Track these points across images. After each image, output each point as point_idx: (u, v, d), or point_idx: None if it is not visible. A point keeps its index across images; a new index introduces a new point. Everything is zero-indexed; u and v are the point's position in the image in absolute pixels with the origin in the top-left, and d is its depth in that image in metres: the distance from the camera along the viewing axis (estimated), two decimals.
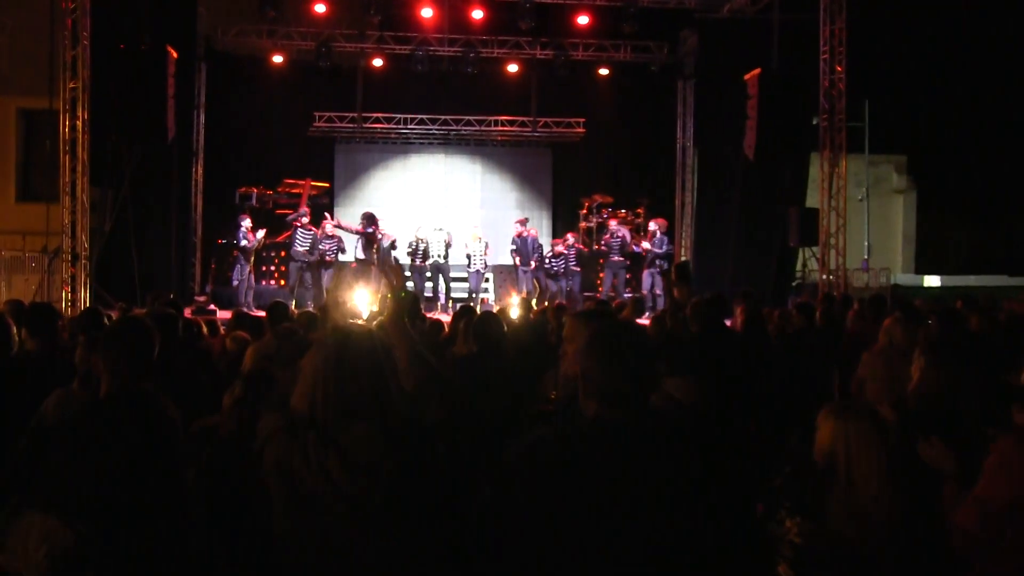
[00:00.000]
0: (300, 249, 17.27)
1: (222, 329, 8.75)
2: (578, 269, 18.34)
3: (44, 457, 2.84)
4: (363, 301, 5.35)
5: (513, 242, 18.20)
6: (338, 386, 2.69)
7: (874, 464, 3.03)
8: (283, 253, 18.54)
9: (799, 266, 18.37)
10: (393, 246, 17.69)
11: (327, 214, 18.35)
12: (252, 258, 17.24)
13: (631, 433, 2.61)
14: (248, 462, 2.84)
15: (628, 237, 18.68)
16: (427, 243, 17.89)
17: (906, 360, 4.29)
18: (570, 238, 18.50)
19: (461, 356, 5.88)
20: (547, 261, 18.17)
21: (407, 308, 7.26)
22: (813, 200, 17.47)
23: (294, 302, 16.77)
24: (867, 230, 29.48)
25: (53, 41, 15.55)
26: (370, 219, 17.56)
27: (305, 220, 17.30)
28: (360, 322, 3.88)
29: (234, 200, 19.89)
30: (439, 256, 17.85)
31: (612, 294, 17.76)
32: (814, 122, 17.15)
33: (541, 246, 18.47)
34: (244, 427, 3.70)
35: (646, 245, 17.78)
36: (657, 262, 17.65)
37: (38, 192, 20.14)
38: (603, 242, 18.76)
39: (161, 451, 2.75)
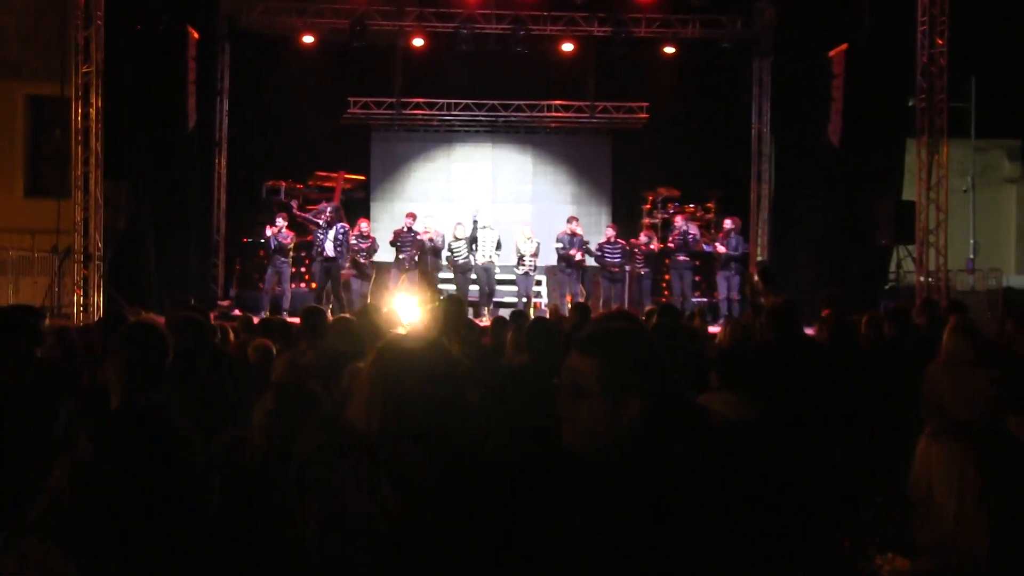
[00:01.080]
0: (324, 250, 17.43)
1: (232, 336, 8.82)
2: (645, 270, 18.25)
3: (47, 479, 2.86)
4: (406, 307, 5.30)
5: (559, 240, 18.17)
6: (397, 403, 2.68)
7: (963, 487, 2.95)
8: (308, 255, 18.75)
9: (892, 267, 18.14)
10: (437, 246, 17.75)
11: (342, 225, 18.32)
12: (290, 258, 17.42)
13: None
14: (279, 481, 2.84)
15: (697, 234, 18.57)
16: (473, 242, 17.90)
17: (975, 370, 4.21)
18: (610, 232, 18.58)
19: (512, 368, 5.89)
20: (603, 252, 18.11)
21: (453, 314, 7.32)
22: (909, 192, 17.25)
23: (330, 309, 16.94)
24: (973, 225, 28.99)
25: (64, 21, 15.75)
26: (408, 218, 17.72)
27: (326, 216, 17.36)
28: (419, 330, 3.88)
29: (260, 195, 20.08)
30: (489, 256, 17.86)
31: (681, 299, 17.67)
32: (910, 103, 16.93)
33: (587, 242, 18.36)
34: (276, 443, 3.72)
35: (721, 248, 17.67)
36: (732, 264, 17.55)
37: (48, 187, 20.45)
38: (669, 240, 18.67)
39: (170, 474, 2.76)
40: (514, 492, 3.05)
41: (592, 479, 2.53)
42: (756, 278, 13.70)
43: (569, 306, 15.72)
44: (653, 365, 2.62)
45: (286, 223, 17.46)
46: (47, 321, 6.50)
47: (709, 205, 20.79)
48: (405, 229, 17.73)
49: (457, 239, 17.93)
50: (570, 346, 2.67)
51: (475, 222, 17.96)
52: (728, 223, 17.98)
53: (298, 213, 18.48)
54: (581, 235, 18.20)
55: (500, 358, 7.22)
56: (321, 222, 17.72)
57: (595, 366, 2.56)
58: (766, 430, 4.23)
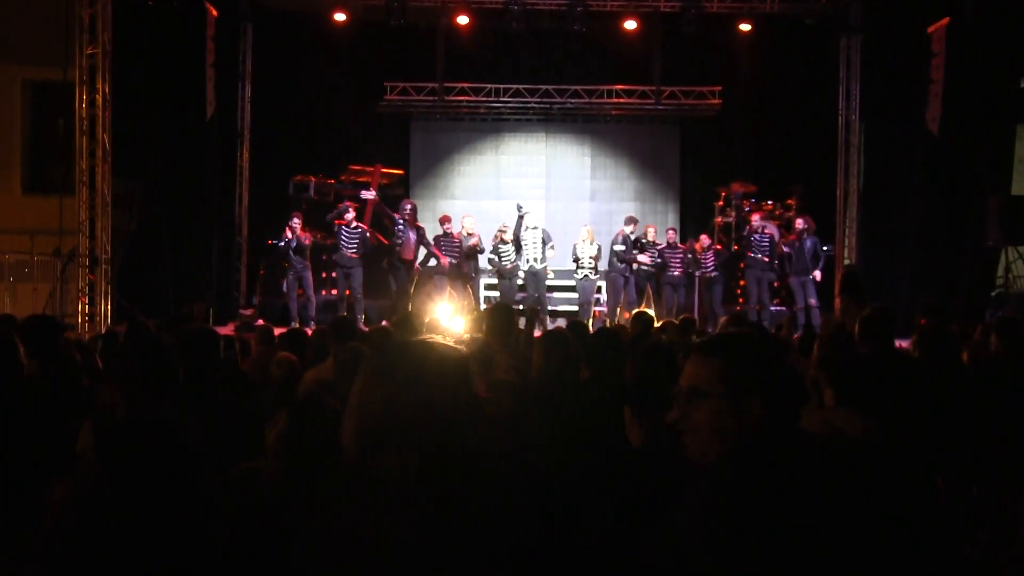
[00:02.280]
0: (347, 252, 17.50)
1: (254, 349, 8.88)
2: (714, 274, 18.15)
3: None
4: (446, 314, 5.33)
5: (618, 241, 18.13)
6: (369, 414, 2.67)
7: None
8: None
9: (1000, 272, 17.89)
10: (477, 249, 17.76)
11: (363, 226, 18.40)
12: (309, 261, 17.48)
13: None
14: (293, 511, 2.83)
15: (776, 235, 18.42)
16: (517, 244, 17.90)
17: None
18: (671, 234, 18.67)
19: (568, 384, 5.87)
20: (662, 257, 18.12)
21: (502, 323, 7.30)
22: (1020, 187, 17.03)
23: (362, 316, 17.00)
24: None
25: None
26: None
27: (349, 216, 17.49)
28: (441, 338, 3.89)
29: (287, 191, 20.17)
30: (534, 260, 17.82)
31: (758, 307, 17.54)
32: (1021, 85, 16.72)
33: (650, 243, 18.28)
34: (292, 468, 3.71)
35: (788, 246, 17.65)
36: (809, 268, 17.47)
37: (49, 183, 20.46)
38: (745, 241, 18.54)
39: (176, 490, 2.76)
40: (571, 515, 3.05)
41: (712, 491, 2.64)
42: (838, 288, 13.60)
43: (626, 315, 15.67)
44: (776, 372, 2.75)
45: (301, 222, 17.51)
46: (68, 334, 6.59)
47: (790, 202, 20.63)
48: (443, 234, 17.80)
49: (504, 242, 17.91)
50: (688, 351, 2.83)
51: (520, 218, 17.92)
52: (800, 223, 17.85)
53: (384, 208, 18.45)
54: (640, 236, 18.21)
55: (567, 373, 7.28)
56: (399, 220, 17.73)
57: (718, 368, 2.69)
58: (896, 452, 4.30)
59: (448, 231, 17.78)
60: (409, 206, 18.00)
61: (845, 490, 2.67)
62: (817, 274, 17.48)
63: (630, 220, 18.49)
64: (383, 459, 2.64)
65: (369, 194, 18.77)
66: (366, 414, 2.68)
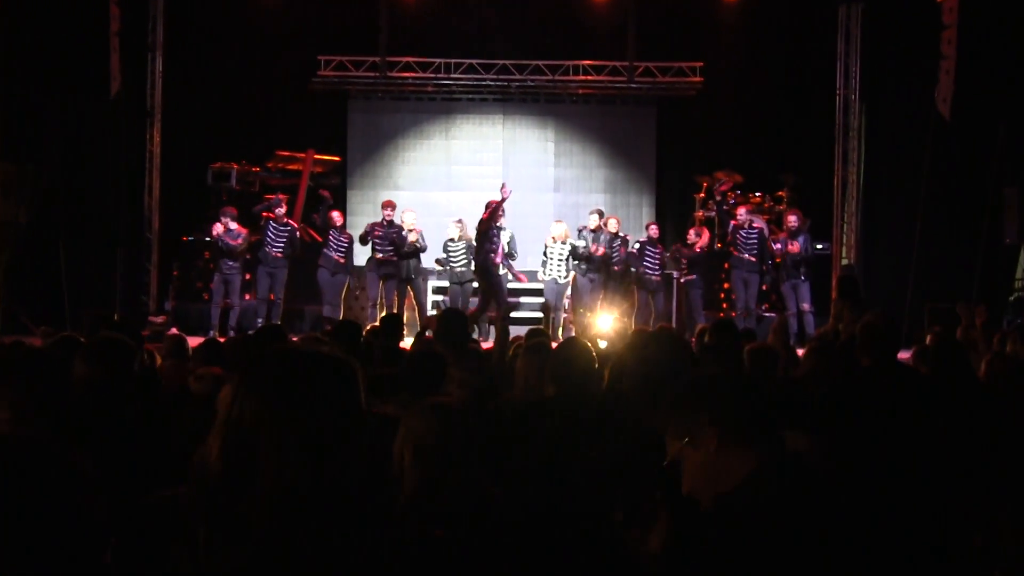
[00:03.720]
0: (272, 251, 17.57)
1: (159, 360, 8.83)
2: (692, 276, 18.20)
3: None
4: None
5: (580, 235, 18.21)
6: (236, 432, 2.68)
7: None
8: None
9: (1019, 273, 18.02)
10: (417, 246, 17.79)
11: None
12: (240, 262, 17.52)
13: None
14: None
15: (766, 231, 18.48)
16: (468, 243, 17.95)
17: None
18: (653, 230, 18.79)
19: (525, 403, 5.87)
20: (643, 255, 18.13)
21: (455, 333, 7.29)
22: None
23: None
24: None
25: None
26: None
27: (281, 211, 17.53)
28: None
29: (205, 180, 20.08)
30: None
31: (745, 313, 17.59)
32: None
33: (622, 239, 18.35)
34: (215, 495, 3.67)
35: (794, 245, 17.63)
36: (801, 270, 17.66)
37: None
38: (730, 237, 18.59)
39: (48, 516, 2.72)
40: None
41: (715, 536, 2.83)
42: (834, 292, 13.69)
43: (595, 320, 15.69)
44: (763, 412, 3.00)
45: (234, 218, 17.44)
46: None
47: (780, 194, 20.71)
48: (384, 222, 17.77)
49: (455, 240, 17.89)
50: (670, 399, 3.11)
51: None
52: (792, 219, 17.92)
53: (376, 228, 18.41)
54: (610, 231, 18.35)
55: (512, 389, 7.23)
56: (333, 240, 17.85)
57: (703, 419, 2.92)
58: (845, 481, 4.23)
59: (389, 219, 17.82)
60: (337, 216, 18.19)
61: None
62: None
63: (595, 212, 18.52)
64: (249, 486, 2.61)
65: (323, 197, 18.67)
66: (232, 431, 2.66)
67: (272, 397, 2.65)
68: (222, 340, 10.66)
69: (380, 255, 17.86)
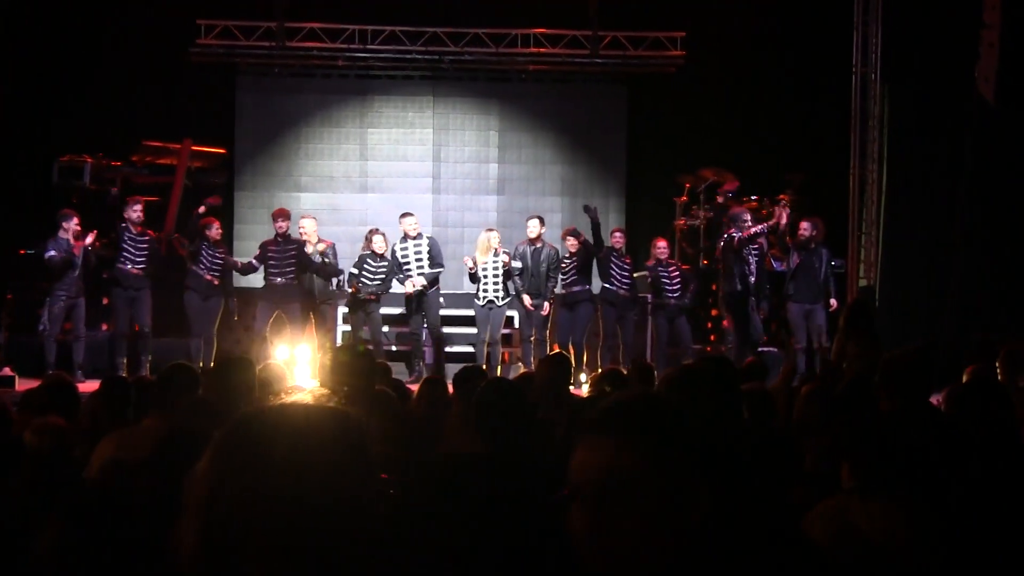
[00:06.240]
0: (131, 268, 17.42)
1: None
2: (672, 299, 18.23)
3: None
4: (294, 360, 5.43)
5: (517, 254, 18.18)
6: (220, 512, 2.64)
7: None
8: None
9: None
10: (324, 260, 17.76)
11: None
12: (81, 283, 17.28)
13: None
14: None
15: (765, 244, 18.54)
16: (393, 259, 18.00)
17: None
18: (618, 238, 18.64)
19: (455, 458, 6.04)
20: (616, 272, 18.17)
21: (358, 373, 7.25)
22: None
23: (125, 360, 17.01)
24: None
25: None
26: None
27: (136, 215, 17.42)
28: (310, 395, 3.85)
29: (51, 177, 19.89)
30: (420, 279, 17.84)
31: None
32: None
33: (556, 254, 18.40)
34: None
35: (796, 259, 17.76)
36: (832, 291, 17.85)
37: None
38: (723, 248, 18.63)
39: None
40: None
41: None
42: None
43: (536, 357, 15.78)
44: (714, 444, 2.79)
45: (79, 224, 17.27)
46: None
47: (782, 197, 20.76)
48: (277, 238, 17.76)
49: (376, 255, 17.94)
50: (584, 428, 2.77)
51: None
52: (806, 227, 17.97)
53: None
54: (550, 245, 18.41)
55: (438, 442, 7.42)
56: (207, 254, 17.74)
57: (639, 451, 2.65)
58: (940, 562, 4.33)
59: (284, 232, 17.79)
60: (215, 225, 18.05)
61: None
62: (832, 302, 17.65)
63: (534, 218, 18.54)
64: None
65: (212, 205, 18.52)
66: (216, 512, 2.63)
67: (268, 473, 2.63)
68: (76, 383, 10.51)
69: (278, 279, 17.73)
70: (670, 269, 18.40)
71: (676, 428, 2.70)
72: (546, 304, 18.01)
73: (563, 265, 18.23)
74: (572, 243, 18.32)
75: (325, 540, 2.63)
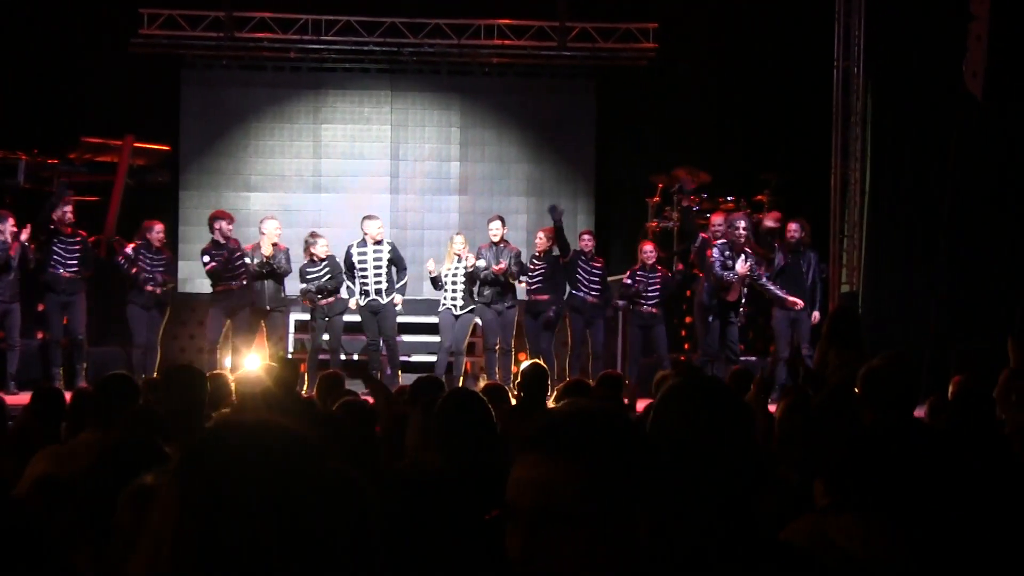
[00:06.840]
0: (63, 272, 17.36)
1: None
2: (652, 310, 18.19)
3: None
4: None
5: (480, 255, 18.13)
6: (198, 531, 2.58)
7: None
8: None
9: None
10: (274, 266, 17.64)
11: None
12: (17, 287, 17.18)
13: None
14: None
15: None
16: (347, 261, 17.99)
17: None
18: (587, 241, 18.54)
19: (416, 477, 5.92)
20: (583, 278, 18.14)
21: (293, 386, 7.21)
22: None
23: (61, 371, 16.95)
24: None
25: None
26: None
27: (66, 215, 17.37)
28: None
29: None
30: (375, 288, 17.86)
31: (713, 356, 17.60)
32: None
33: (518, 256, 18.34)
34: None
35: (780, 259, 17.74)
36: (817, 298, 17.84)
37: None
38: (695, 255, 18.62)
39: None
40: None
41: None
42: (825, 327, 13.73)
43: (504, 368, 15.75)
44: (656, 462, 2.74)
45: (14, 224, 17.18)
46: None
47: (760, 198, 20.80)
48: (221, 240, 17.72)
49: (316, 260, 17.91)
50: (521, 445, 2.75)
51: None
52: (794, 229, 17.96)
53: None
54: (513, 247, 18.37)
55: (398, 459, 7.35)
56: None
57: (577, 472, 2.62)
58: None
59: (227, 234, 17.74)
60: (158, 228, 17.95)
61: None
62: (815, 314, 17.58)
63: (495, 219, 18.48)
64: None
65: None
66: (180, 550, 2.57)
67: (246, 494, 2.59)
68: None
69: (220, 285, 17.68)
70: (655, 276, 18.34)
71: (614, 445, 2.68)
72: (503, 263, 17.91)
73: (532, 267, 18.28)
74: (541, 241, 18.34)
75: (299, 562, 2.58)
